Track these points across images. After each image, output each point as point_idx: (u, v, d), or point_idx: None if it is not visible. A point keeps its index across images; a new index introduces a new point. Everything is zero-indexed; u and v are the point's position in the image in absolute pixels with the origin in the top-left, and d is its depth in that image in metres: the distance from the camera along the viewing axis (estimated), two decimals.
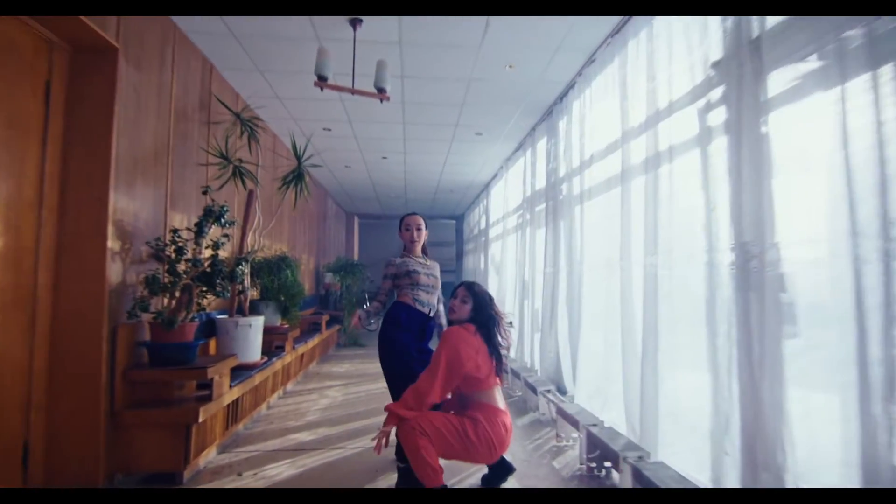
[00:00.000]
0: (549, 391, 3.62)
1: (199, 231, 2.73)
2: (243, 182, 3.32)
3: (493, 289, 6.80)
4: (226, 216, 2.89)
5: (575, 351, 3.68)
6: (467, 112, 4.66)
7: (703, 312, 2.27)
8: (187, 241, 2.78)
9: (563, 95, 4.20)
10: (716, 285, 2.15)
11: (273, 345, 4.26)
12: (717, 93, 2.22)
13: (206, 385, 2.74)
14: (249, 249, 3.54)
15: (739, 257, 2.00)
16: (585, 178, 3.63)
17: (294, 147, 3.58)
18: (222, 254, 3.08)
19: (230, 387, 2.93)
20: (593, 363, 3.40)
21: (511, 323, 2.55)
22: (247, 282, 3.51)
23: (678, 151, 2.49)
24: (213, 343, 3.50)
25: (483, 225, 8.43)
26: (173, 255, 2.70)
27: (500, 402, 2.35)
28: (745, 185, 1.97)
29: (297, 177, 3.51)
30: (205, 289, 2.72)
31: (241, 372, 3.26)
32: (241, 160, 3.30)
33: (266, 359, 3.64)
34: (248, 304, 3.54)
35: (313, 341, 5.42)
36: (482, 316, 2.39)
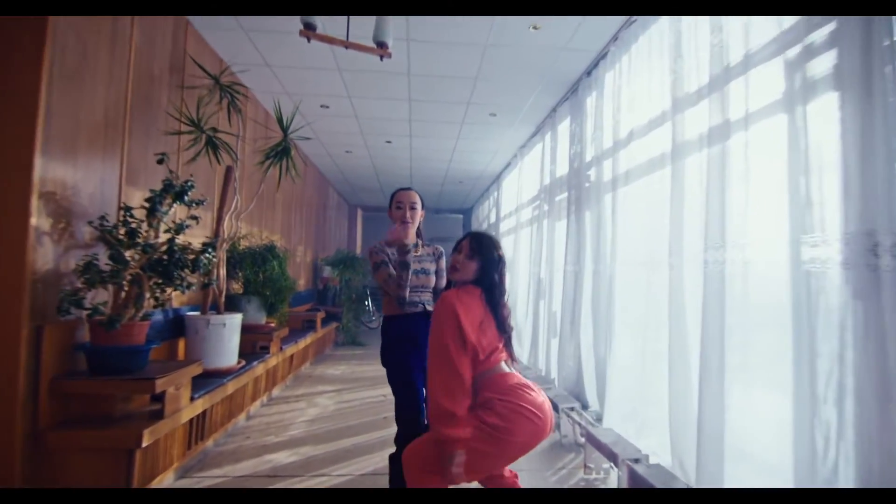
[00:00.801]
0: (572, 409, 3.09)
1: (152, 210, 2.22)
2: (217, 156, 2.81)
3: None
4: (190, 193, 2.38)
5: (603, 363, 3.15)
6: (481, 88, 4.13)
7: (789, 324, 1.74)
8: (143, 221, 2.28)
9: (591, 68, 3.66)
10: (817, 289, 1.62)
11: (257, 346, 3.76)
12: (820, 34, 1.69)
13: (161, 397, 2.24)
14: (226, 235, 3.03)
15: (858, 253, 1.47)
16: (620, 159, 3.09)
17: (279, 116, 3.06)
18: (192, 240, 2.58)
19: (192, 399, 2.43)
20: (627, 378, 2.87)
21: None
22: (220, 272, 3.01)
23: (757, 117, 1.95)
24: (181, 344, 3.01)
25: (493, 219, 7.91)
26: (124, 238, 2.20)
27: (508, 369, 1.77)
28: (874, 151, 1.43)
29: (281, 151, 2.99)
30: (160, 280, 2.22)
31: (211, 379, 2.76)
32: (215, 129, 2.79)
33: (244, 363, 3.14)
34: (222, 298, 3.04)
35: (305, 341, 4.92)
36: (491, 278, 1.80)
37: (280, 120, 3.01)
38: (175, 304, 3.03)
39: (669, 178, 2.45)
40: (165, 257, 2.22)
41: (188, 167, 2.95)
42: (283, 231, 5.45)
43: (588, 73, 3.74)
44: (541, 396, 1.71)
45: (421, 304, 2.22)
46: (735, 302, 1.95)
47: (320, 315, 5.82)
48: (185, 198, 2.37)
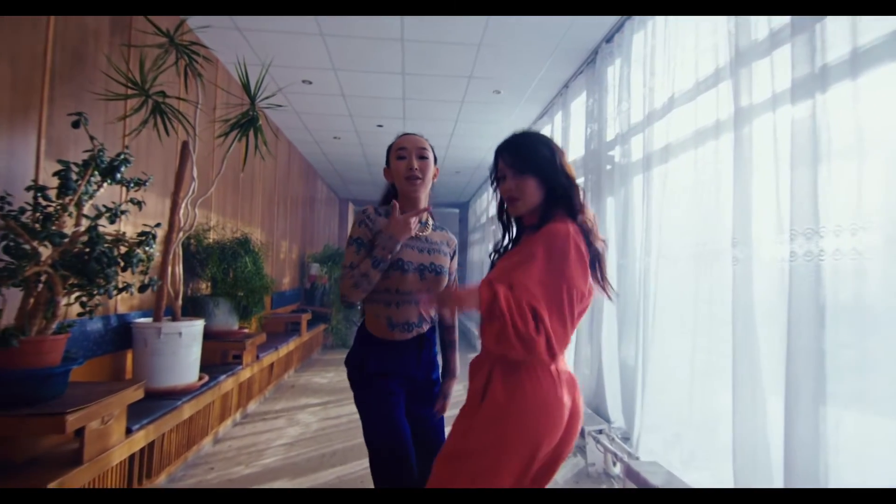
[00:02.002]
0: (601, 432, 2.61)
1: (64, 188, 1.69)
2: (166, 127, 2.27)
3: None
4: (124, 169, 1.86)
5: (632, 373, 2.67)
6: (485, 57, 3.62)
7: None
8: (63, 204, 1.76)
9: (614, 32, 3.16)
10: None
11: (229, 355, 3.25)
12: None
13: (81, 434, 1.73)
14: (182, 225, 2.51)
15: None
16: (654, 134, 2.60)
17: (244, 81, 2.52)
18: (138, 230, 2.06)
19: (129, 431, 1.92)
20: (668, 395, 2.39)
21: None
22: (175, 270, 2.49)
23: (869, 59, 1.46)
24: (129, 358, 2.49)
25: (492, 211, 7.41)
26: (34, 226, 1.68)
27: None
28: None
29: (247, 123, 2.47)
30: (77, 281, 1.70)
31: (161, 402, 2.25)
32: (164, 94, 2.26)
33: (206, 378, 2.63)
34: (179, 302, 2.52)
35: (288, 346, 4.41)
36: (563, 188, 1.21)
37: (246, 85, 2.48)
38: (121, 308, 2.51)
39: (730, 149, 1.96)
40: (87, 250, 1.70)
41: (134, 142, 2.43)
42: (263, 224, 4.93)
43: (609, 39, 3.24)
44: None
45: (416, 325, 1.44)
46: (840, 305, 1.47)
47: (306, 316, 5.30)
48: (119, 175, 1.85)
